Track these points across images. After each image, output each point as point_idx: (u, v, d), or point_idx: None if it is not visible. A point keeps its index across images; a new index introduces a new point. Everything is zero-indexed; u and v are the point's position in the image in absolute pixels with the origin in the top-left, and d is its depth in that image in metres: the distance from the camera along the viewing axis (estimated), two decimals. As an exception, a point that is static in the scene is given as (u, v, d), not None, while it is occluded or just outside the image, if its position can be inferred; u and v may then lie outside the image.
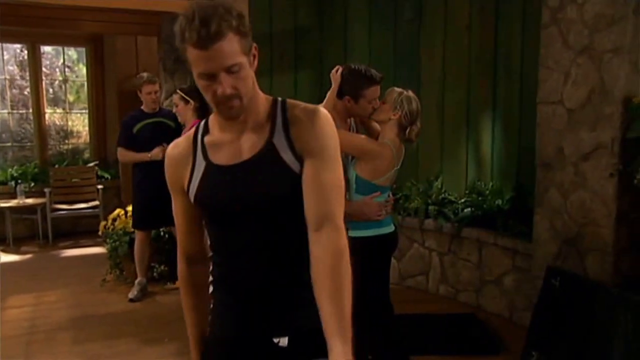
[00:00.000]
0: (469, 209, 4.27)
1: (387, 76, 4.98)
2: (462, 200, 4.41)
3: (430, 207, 4.48)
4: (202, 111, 3.89)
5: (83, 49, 7.36)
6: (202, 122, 1.43)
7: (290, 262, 1.34)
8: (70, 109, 7.60)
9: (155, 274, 4.63)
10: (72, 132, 7.59)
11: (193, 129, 1.44)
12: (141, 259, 4.38)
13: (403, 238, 4.37)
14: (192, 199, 1.38)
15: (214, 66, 1.21)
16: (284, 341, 1.33)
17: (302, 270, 1.30)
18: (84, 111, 7.61)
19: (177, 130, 4.55)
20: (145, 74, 4.50)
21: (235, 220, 1.33)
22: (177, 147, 1.43)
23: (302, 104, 1.37)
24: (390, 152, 2.60)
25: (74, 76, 7.75)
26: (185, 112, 4.00)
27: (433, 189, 4.64)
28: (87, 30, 6.27)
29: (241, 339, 1.37)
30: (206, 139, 1.38)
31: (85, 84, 7.40)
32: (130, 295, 4.34)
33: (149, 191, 4.23)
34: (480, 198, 4.34)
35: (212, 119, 1.40)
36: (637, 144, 2.94)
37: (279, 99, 1.39)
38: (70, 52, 7.75)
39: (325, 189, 1.29)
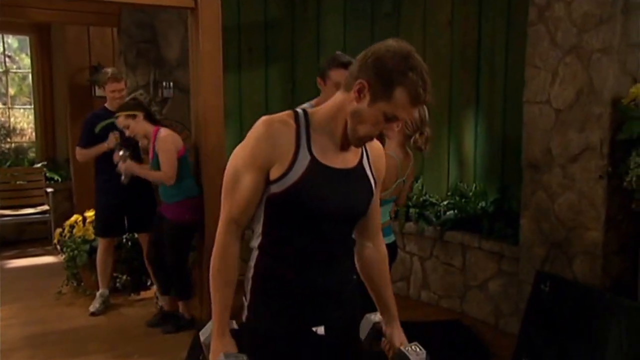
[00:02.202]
0: (452, 212, 4.38)
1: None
2: (445, 203, 4.52)
3: (411, 210, 4.56)
4: (151, 117, 3.92)
5: (26, 37, 7.16)
6: (302, 114, 1.54)
7: (346, 260, 1.66)
8: (12, 103, 7.39)
9: (118, 284, 4.57)
10: (14, 129, 7.37)
11: (289, 111, 1.55)
12: (104, 269, 4.32)
13: (384, 242, 4.44)
14: (281, 187, 1.47)
15: (404, 118, 1.48)
16: (321, 330, 1.58)
17: (349, 267, 1.69)
18: (28, 106, 7.41)
19: None
20: (110, 70, 4.43)
21: (320, 217, 1.52)
22: (279, 122, 1.50)
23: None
24: (393, 163, 2.64)
25: (15, 67, 7.54)
26: (138, 125, 3.89)
27: (413, 191, 4.72)
28: (34, 19, 6.09)
29: (299, 332, 1.58)
30: (313, 134, 1.52)
31: (30, 76, 7.21)
32: (92, 309, 4.27)
33: (114, 196, 4.18)
34: (463, 200, 4.45)
35: (317, 117, 1.55)
36: (626, 145, 3.09)
37: None
38: (9, 40, 7.53)
39: (379, 211, 1.77)
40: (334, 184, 1.51)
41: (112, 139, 4.20)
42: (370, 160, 1.64)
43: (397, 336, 1.74)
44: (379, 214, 1.76)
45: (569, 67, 3.37)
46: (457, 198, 4.51)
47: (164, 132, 3.83)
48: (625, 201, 3.15)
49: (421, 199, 4.66)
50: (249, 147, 1.49)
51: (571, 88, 3.36)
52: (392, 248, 2.83)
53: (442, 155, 4.76)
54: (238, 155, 1.53)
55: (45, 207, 6.43)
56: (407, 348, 1.67)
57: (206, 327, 1.64)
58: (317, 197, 1.49)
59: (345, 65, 2.71)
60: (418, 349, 1.66)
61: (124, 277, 4.62)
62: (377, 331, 1.76)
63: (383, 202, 2.74)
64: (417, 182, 4.82)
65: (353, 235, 1.72)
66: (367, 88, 1.44)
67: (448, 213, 4.39)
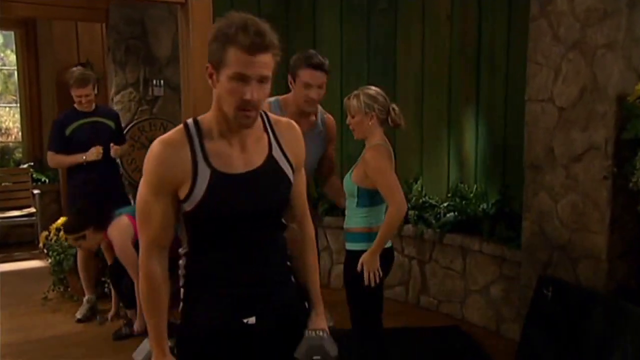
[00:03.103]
0: (452, 214, 4.36)
1: (361, 69, 5.16)
2: (444, 204, 4.50)
3: (410, 212, 4.50)
4: None
5: (11, 33, 7.12)
6: (193, 125, 1.59)
7: (274, 251, 1.69)
8: (-3, 101, 7.37)
9: (106, 289, 4.51)
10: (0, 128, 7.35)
11: (179, 126, 1.59)
12: (86, 275, 4.27)
13: (381, 246, 4.42)
14: (191, 205, 1.54)
15: (253, 72, 1.47)
16: (252, 320, 1.63)
17: (278, 256, 1.71)
18: (14, 105, 7.38)
19: (117, 131, 4.47)
20: (76, 70, 4.32)
21: (237, 223, 1.58)
22: (170, 145, 1.55)
23: (280, 118, 1.73)
24: (388, 153, 2.73)
25: (0, 64, 7.51)
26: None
27: (412, 192, 4.70)
28: (18, 14, 6.06)
29: (230, 325, 1.63)
30: (207, 145, 1.55)
31: (15, 73, 7.17)
32: (78, 315, 4.23)
33: (88, 199, 4.12)
34: (463, 202, 4.43)
35: (207, 124, 1.58)
36: (631, 145, 3.07)
37: (262, 112, 1.67)
38: (-6, 36, 7.52)
39: (305, 192, 1.81)
40: (241, 190, 1.57)
41: (94, 154, 4.16)
42: (284, 147, 1.67)
43: (312, 322, 1.75)
44: (303, 196, 1.80)
45: (572, 64, 3.35)
46: (457, 200, 4.49)
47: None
48: (631, 203, 3.13)
49: (420, 200, 4.63)
50: (148, 175, 1.56)
51: (574, 85, 3.34)
52: (389, 253, 2.83)
53: (442, 156, 4.74)
54: (143, 184, 1.59)
55: (32, 210, 6.39)
56: (309, 332, 1.71)
57: (140, 347, 1.71)
58: (226, 207, 1.56)
59: (315, 67, 2.80)
60: (321, 334, 1.70)
61: (112, 281, 4.56)
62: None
63: (379, 201, 2.75)
64: (416, 183, 4.80)
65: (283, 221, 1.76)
66: (210, 67, 1.52)
67: (448, 215, 4.37)
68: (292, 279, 1.77)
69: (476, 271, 4.22)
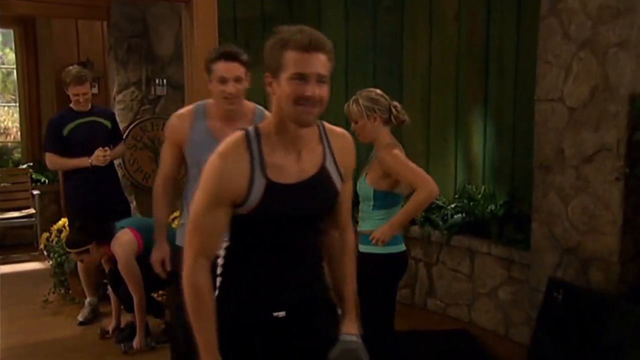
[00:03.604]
0: (459, 215, 4.37)
1: (367, 68, 5.15)
2: (452, 206, 4.50)
3: None
4: None
5: (10, 31, 7.13)
6: (253, 134, 1.66)
7: (309, 253, 1.79)
8: (-4, 101, 7.38)
9: (108, 291, 4.49)
10: (-1, 128, 7.36)
11: (240, 135, 1.66)
12: (86, 277, 4.26)
13: (387, 248, 4.42)
14: (243, 211, 1.64)
15: (311, 69, 1.56)
16: (282, 314, 1.72)
17: (314, 257, 1.81)
18: (13, 104, 7.39)
19: (114, 131, 4.46)
20: (73, 68, 4.24)
21: (282, 227, 1.69)
22: (230, 159, 1.63)
23: (334, 128, 1.80)
24: (400, 148, 2.76)
25: (-1, 63, 7.53)
26: None
27: None
28: (17, 12, 6.06)
29: (261, 318, 1.73)
30: (265, 155, 1.64)
31: (15, 72, 7.18)
32: (80, 318, 4.24)
33: (87, 201, 4.13)
34: (471, 203, 4.43)
35: (266, 133, 1.67)
36: (644, 145, 3.07)
37: (319, 122, 1.75)
38: (-7, 34, 7.52)
39: (350, 201, 1.90)
40: (292, 199, 1.66)
41: (100, 158, 4.13)
42: (335, 157, 1.76)
43: (345, 327, 1.82)
44: (348, 205, 1.88)
45: (583, 63, 3.35)
46: (465, 201, 4.49)
47: None
48: (643, 204, 3.13)
49: None
50: (207, 189, 1.64)
51: (585, 85, 3.34)
52: (402, 257, 2.83)
53: (449, 157, 4.73)
54: (199, 197, 1.65)
55: (31, 211, 6.39)
56: (343, 336, 1.79)
57: None
58: (275, 214, 1.66)
59: (228, 57, 2.55)
60: (355, 339, 1.78)
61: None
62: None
63: (394, 203, 2.75)
64: None
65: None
66: (269, 76, 1.62)
67: (455, 216, 4.37)
68: (325, 279, 1.87)
69: (484, 274, 4.21)
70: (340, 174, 1.76)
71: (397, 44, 4.88)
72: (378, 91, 2.82)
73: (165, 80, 5.15)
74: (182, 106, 4.51)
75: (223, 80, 2.57)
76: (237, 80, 2.57)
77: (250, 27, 5.23)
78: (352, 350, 1.76)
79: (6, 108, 7.48)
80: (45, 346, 3.91)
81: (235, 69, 2.57)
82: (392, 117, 2.78)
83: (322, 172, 1.72)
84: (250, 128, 1.68)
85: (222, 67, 2.55)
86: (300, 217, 1.70)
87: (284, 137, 1.66)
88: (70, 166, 4.24)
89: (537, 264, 3.69)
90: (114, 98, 5.26)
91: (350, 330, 1.81)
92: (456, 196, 4.63)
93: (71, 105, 4.27)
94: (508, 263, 4.03)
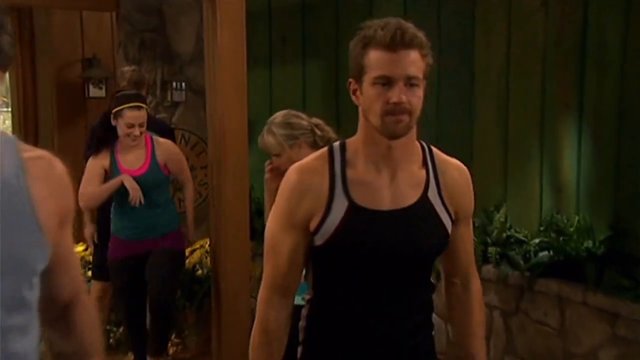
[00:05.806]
0: (546, 253, 4.22)
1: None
2: (536, 241, 4.34)
3: (490, 249, 4.43)
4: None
5: (3, 24, 7.22)
6: (338, 149, 1.70)
7: (414, 311, 1.76)
8: (-14, 104, 7.49)
9: (111, 340, 4.51)
10: (-11, 136, 7.45)
11: (324, 150, 1.73)
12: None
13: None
14: (321, 240, 1.65)
15: (397, 70, 1.57)
16: None
17: (420, 319, 1.78)
18: (4, 109, 7.49)
19: None
20: (126, 77, 4.27)
21: (374, 268, 1.67)
22: (308, 173, 1.68)
23: (449, 158, 1.78)
24: None
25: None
26: None
27: (494, 224, 4.59)
28: (11, 1, 6.12)
29: None
30: (349, 173, 1.66)
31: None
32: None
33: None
34: (561, 238, 4.25)
35: (353, 148, 1.69)
36: None
37: (424, 143, 1.76)
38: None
39: (471, 245, 1.89)
40: (383, 229, 1.65)
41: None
42: (443, 192, 1.72)
43: None
44: (471, 254, 1.88)
45: None
46: (553, 235, 4.32)
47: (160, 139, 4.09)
48: None
49: (504, 234, 4.50)
50: (281, 207, 1.69)
51: None
52: None
53: (532, 178, 4.56)
54: (273, 217, 1.72)
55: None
56: None
57: None
58: (362, 247, 1.65)
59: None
60: None
61: (119, 330, 4.54)
62: None
63: None
64: (498, 212, 4.66)
65: (432, 280, 1.84)
66: (353, 83, 1.68)
67: (540, 254, 4.22)
68: (434, 351, 1.84)
69: (579, 329, 4.02)
70: (449, 214, 1.72)
71: (467, 39, 4.77)
72: (291, 112, 2.79)
73: (184, 84, 5.22)
74: (204, 115, 4.52)
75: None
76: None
77: (288, 20, 5.26)
78: None
79: (-2, 113, 7.58)
80: None
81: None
82: (317, 139, 2.71)
83: (424, 202, 1.69)
84: (335, 143, 1.73)
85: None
86: (394, 256, 1.65)
87: (373, 152, 1.66)
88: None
89: (651, 320, 3.49)
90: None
91: None
92: (541, 228, 4.45)
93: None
94: (611, 317, 3.83)
